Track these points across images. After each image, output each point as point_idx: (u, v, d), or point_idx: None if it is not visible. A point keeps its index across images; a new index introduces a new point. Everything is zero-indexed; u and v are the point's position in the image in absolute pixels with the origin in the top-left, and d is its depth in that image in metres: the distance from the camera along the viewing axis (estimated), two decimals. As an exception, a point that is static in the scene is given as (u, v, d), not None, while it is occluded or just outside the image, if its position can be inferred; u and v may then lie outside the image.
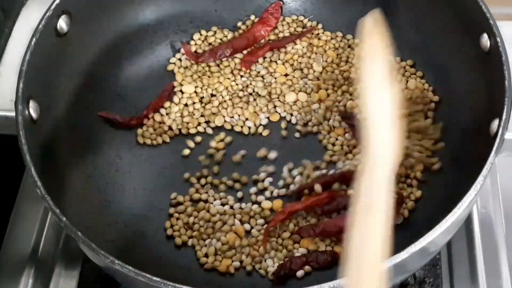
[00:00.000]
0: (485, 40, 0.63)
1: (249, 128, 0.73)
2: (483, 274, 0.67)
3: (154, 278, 0.52)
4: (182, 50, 0.77)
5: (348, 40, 0.78)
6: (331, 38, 0.78)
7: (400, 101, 0.54)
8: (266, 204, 0.68)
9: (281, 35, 0.78)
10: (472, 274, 0.68)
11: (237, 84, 0.75)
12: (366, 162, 0.50)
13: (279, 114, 0.74)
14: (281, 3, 0.79)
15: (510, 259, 0.68)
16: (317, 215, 0.65)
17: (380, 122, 0.52)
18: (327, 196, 0.66)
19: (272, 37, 0.78)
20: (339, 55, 0.77)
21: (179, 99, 0.74)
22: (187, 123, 0.73)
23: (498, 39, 0.61)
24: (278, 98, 0.74)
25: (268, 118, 0.73)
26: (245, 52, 0.77)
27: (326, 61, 0.76)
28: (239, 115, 0.74)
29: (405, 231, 0.65)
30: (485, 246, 0.68)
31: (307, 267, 0.63)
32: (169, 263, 0.65)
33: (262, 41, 0.78)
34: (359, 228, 0.46)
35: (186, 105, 0.74)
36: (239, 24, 0.79)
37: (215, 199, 0.69)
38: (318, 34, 0.78)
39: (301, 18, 0.79)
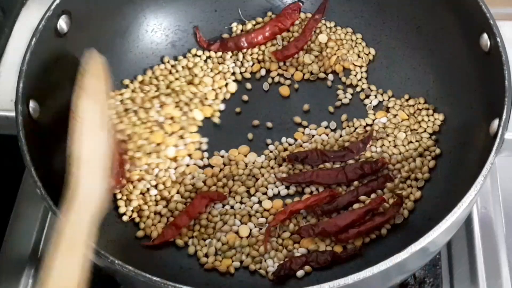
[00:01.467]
0: (485, 40, 0.63)
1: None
2: (483, 274, 0.67)
3: (154, 278, 0.52)
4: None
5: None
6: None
7: (110, 146, 0.55)
8: (267, 204, 0.68)
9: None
10: (472, 274, 0.68)
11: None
12: (72, 202, 0.51)
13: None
14: (300, 4, 0.79)
15: (510, 259, 0.68)
16: (317, 215, 0.65)
17: (89, 164, 0.53)
18: (328, 195, 0.66)
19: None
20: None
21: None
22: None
23: (498, 39, 0.61)
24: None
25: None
26: (255, 49, 0.77)
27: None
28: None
29: (405, 231, 0.65)
30: (485, 246, 0.68)
31: (307, 267, 0.63)
32: (169, 263, 0.65)
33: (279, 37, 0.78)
34: (58, 265, 0.47)
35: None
36: (234, 25, 0.79)
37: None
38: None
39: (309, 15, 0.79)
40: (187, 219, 0.65)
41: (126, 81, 0.74)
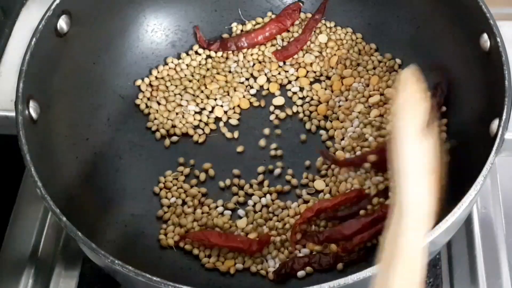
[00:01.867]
0: (485, 40, 0.63)
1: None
2: (483, 274, 0.67)
3: (154, 278, 0.52)
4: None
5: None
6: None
7: (435, 157, 0.53)
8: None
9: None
10: (472, 274, 0.68)
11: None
12: (396, 219, 0.49)
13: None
14: (300, 4, 0.79)
15: (510, 259, 0.68)
16: (329, 218, 0.65)
17: (413, 177, 0.51)
18: (356, 195, 0.66)
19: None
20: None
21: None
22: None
23: (498, 39, 0.61)
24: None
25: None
26: (255, 49, 0.77)
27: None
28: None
29: (405, 231, 0.65)
30: (485, 246, 0.68)
31: (308, 268, 0.63)
32: (169, 263, 0.65)
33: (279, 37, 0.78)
34: (384, 280, 0.46)
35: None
36: (234, 25, 0.79)
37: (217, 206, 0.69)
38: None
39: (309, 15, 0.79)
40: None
41: (139, 82, 0.75)
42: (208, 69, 0.77)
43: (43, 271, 0.69)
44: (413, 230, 0.48)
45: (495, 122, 0.58)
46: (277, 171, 0.70)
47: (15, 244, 0.70)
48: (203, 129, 0.73)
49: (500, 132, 0.57)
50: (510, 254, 0.68)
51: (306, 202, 0.68)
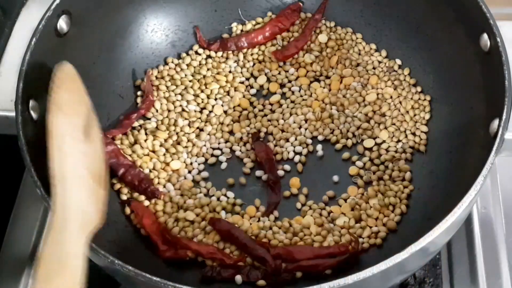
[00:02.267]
0: (485, 40, 0.63)
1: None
2: (483, 274, 0.67)
3: (154, 278, 0.52)
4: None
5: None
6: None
7: (99, 157, 0.51)
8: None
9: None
10: (472, 274, 0.68)
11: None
12: (61, 224, 0.47)
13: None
14: (300, 4, 0.79)
15: (510, 259, 0.68)
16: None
17: (73, 180, 0.49)
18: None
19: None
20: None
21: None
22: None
23: (498, 39, 0.61)
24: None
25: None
26: (255, 49, 0.78)
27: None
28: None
29: (405, 230, 0.65)
30: (485, 246, 0.68)
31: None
32: (170, 263, 0.64)
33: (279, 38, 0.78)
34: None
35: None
36: (234, 25, 0.79)
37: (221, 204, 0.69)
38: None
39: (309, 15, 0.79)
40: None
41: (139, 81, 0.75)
42: (208, 69, 0.77)
43: (43, 271, 0.69)
44: (74, 237, 0.46)
45: (495, 122, 0.58)
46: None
47: (15, 244, 0.70)
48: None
49: (500, 132, 0.57)
50: (510, 254, 0.68)
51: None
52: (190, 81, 0.75)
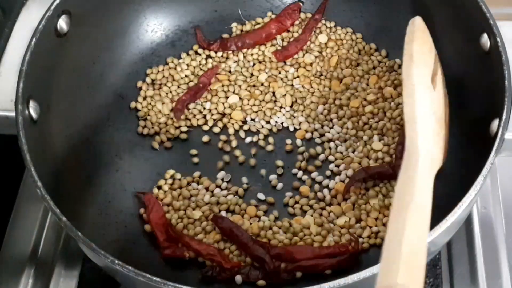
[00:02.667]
0: (485, 40, 0.63)
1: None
2: (483, 274, 0.67)
3: (154, 278, 0.52)
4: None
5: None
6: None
7: (445, 105, 0.56)
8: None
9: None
10: (472, 274, 0.68)
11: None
12: (412, 164, 0.50)
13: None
14: (300, 4, 0.79)
15: (510, 259, 0.68)
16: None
17: (423, 124, 0.53)
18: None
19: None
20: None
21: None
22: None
23: (498, 39, 0.61)
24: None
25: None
26: (255, 49, 0.77)
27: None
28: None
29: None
30: (485, 246, 0.68)
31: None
32: (170, 263, 0.65)
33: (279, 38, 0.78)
34: (409, 233, 0.45)
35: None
36: (234, 25, 0.79)
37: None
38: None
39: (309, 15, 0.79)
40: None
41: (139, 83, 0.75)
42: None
43: (43, 271, 0.69)
44: (422, 177, 0.49)
45: (495, 122, 0.58)
46: (280, 170, 0.71)
47: (15, 244, 0.70)
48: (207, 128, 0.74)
49: (500, 132, 0.57)
50: (510, 254, 0.68)
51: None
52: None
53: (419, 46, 0.59)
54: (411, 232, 0.45)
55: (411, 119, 0.54)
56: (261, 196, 0.69)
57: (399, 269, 0.43)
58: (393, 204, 0.48)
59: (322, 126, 0.73)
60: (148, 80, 0.75)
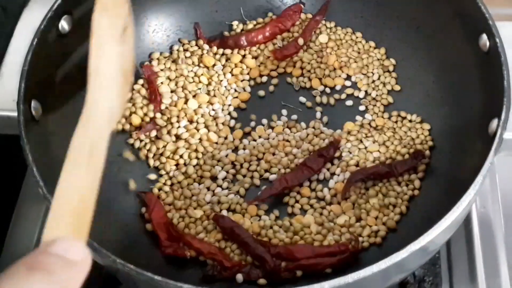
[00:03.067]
0: (484, 40, 0.63)
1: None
2: (482, 273, 0.67)
3: (156, 277, 0.52)
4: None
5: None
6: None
7: (130, 61, 0.55)
8: None
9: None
10: (471, 273, 0.68)
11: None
12: (90, 115, 0.49)
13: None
14: (302, 6, 0.79)
15: (509, 258, 0.68)
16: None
17: (106, 78, 0.52)
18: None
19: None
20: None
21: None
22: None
23: (497, 40, 0.61)
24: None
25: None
26: (254, 48, 0.78)
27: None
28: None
29: (404, 230, 0.65)
30: (484, 245, 0.69)
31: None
32: (171, 262, 0.65)
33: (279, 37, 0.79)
34: (72, 182, 0.46)
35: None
36: (235, 23, 0.80)
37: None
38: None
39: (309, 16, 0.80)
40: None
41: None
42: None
43: (45, 270, 0.69)
44: (100, 134, 0.49)
45: (494, 122, 0.59)
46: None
47: (17, 244, 0.70)
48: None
49: (499, 132, 0.57)
50: (509, 253, 0.69)
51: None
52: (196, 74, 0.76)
53: None
54: (84, 182, 0.46)
55: (95, 71, 0.53)
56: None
57: (66, 223, 0.44)
58: (68, 157, 0.48)
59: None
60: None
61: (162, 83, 0.74)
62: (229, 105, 0.74)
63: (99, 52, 0.53)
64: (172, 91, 0.74)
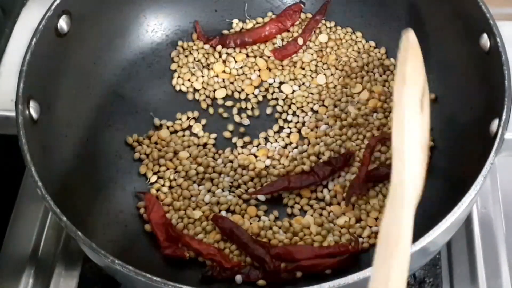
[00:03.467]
0: (485, 40, 0.63)
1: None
2: (482, 274, 0.67)
3: (155, 278, 0.52)
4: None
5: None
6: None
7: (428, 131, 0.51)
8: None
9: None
10: (472, 273, 0.68)
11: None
12: (399, 197, 0.46)
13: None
14: (302, 6, 0.79)
15: (510, 259, 0.68)
16: None
17: (411, 154, 0.49)
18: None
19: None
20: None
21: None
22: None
23: (498, 39, 0.61)
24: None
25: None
26: (255, 46, 0.78)
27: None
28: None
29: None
30: (485, 246, 0.68)
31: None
32: (170, 263, 0.65)
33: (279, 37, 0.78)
34: (387, 269, 0.43)
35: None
36: (235, 22, 0.80)
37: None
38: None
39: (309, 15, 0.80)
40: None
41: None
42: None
43: (44, 271, 0.69)
44: (408, 215, 0.45)
45: (495, 122, 0.58)
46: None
47: (15, 244, 0.70)
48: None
49: (500, 132, 0.57)
50: (510, 254, 0.68)
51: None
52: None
53: (411, 66, 0.53)
54: (396, 277, 0.43)
55: (399, 149, 0.49)
56: (261, 197, 0.69)
57: None
58: (379, 245, 0.44)
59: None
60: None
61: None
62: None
63: (400, 128, 0.49)
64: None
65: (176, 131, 0.73)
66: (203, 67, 0.76)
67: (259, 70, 0.76)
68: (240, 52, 0.77)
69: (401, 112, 0.50)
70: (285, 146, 0.72)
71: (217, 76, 0.76)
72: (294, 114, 0.74)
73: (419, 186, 0.48)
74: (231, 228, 0.65)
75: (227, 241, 0.66)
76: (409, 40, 0.53)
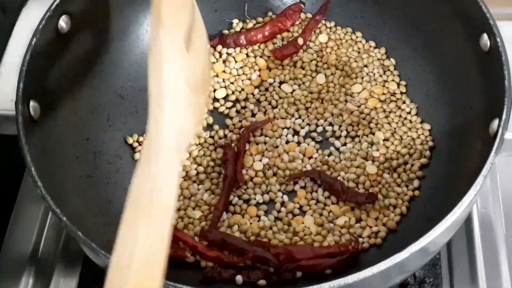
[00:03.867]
0: (485, 40, 0.63)
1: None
2: (483, 274, 0.67)
3: (154, 278, 0.52)
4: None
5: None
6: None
7: (205, 61, 0.46)
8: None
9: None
10: (472, 273, 0.68)
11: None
12: (156, 145, 0.41)
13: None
14: (302, 6, 0.79)
15: (510, 259, 0.68)
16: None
17: (173, 100, 0.43)
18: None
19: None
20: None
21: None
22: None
23: (498, 39, 0.61)
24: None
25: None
26: (255, 46, 0.78)
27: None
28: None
29: (405, 230, 0.65)
30: (485, 246, 0.68)
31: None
32: (170, 263, 0.64)
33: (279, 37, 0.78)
34: (143, 226, 0.39)
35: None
36: (235, 22, 0.80)
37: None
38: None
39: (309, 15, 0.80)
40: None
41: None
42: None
43: (44, 271, 0.69)
44: (167, 171, 0.41)
45: (495, 122, 0.58)
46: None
47: (15, 244, 0.70)
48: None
49: (500, 132, 0.57)
50: (510, 254, 0.68)
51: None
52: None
53: (170, 3, 0.47)
54: (148, 237, 0.39)
55: (157, 96, 0.44)
56: (259, 198, 0.69)
57: (130, 274, 0.39)
58: (128, 205, 0.40)
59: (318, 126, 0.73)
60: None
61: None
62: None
63: (158, 74, 0.45)
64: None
65: (176, 131, 0.73)
66: None
67: (259, 70, 0.77)
68: (240, 52, 0.78)
69: (158, 55, 0.45)
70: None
71: (217, 76, 0.76)
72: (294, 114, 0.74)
73: (190, 127, 0.44)
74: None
75: (223, 249, 0.65)
76: None
